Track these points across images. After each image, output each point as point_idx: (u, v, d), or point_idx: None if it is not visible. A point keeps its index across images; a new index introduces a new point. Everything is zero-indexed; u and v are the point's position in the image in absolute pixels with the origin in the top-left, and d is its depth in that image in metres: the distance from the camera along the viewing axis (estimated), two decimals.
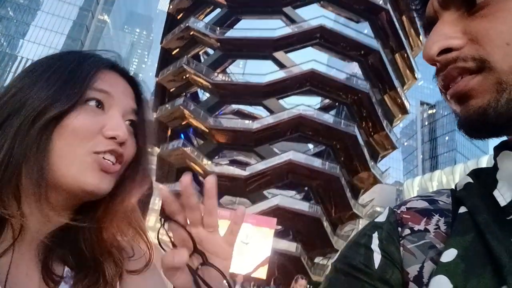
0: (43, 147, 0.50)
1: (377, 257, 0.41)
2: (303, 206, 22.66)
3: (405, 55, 26.30)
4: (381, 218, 0.45)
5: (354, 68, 27.34)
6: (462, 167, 41.48)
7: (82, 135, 0.52)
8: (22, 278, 0.52)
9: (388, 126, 25.35)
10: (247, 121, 25.58)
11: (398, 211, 0.44)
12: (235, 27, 27.44)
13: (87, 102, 0.54)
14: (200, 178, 25.59)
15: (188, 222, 0.48)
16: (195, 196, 0.47)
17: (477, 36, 0.35)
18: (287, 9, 25.46)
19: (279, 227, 20.75)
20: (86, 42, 60.23)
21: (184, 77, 25.91)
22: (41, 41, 57.84)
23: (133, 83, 0.62)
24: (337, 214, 24.33)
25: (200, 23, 26.32)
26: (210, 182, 0.48)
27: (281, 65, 25.29)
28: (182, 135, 26.54)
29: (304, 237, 22.79)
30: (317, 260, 25.59)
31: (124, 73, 0.61)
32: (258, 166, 23.53)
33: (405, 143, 70.73)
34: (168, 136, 27.10)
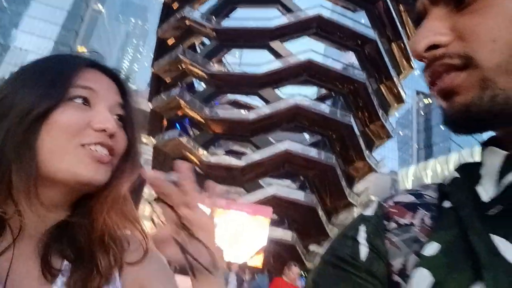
0: (31, 144, 0.52)
1: (364, 250, 0.41)
2: (299, 196, 22.81)
3: (402, 44, 26.24)
4: (369, 212, 0.46)
5: (350, 58, 27.27)
6: (457, 157, 41.78)
7: (70, 130, 0.54)
8: (22, 274, 0.54)
9: (384, 116, 25.43)
10: (243, 111, 25.56)
11: (386, 205, 0.45)
12: (231, 16, 27.22)
13: (72, 100, 0.56)
14: (197, 168, 25.61)
15: (173, 204, 0.54)
16: (192, 183, 0.53)
17: (464, 33, 0.36)
18: None
19: (275, 216, 20.89)
20: (81, 32, 59.57)
21: (180, 67, 25.75)
22: (35, 31, 57.11)
23: (116, 79, 0.63)
24: (332, 203, 24.53)
25: (195, 13, 26.08)
26: (184, 167, 0.54)
27: (278, 55, 25.19)
28: (178, 126, 26.49)
29: (300, 226, 22.98)
30: (312, 248, 25.84)
31: (106, 70, 0.62)
32: (254, 156, 23.59)
33: (401, 133, 71.01)
34: (164, 127, 27.04)
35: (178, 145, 24.38)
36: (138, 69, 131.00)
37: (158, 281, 0.58)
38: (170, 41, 27.16)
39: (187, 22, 25.57)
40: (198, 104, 24.54)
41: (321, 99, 27.64)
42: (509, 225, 0.35)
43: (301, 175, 25.03)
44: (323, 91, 27.79)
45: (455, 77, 0.36)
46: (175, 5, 27.34)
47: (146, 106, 27.73)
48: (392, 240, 0.41)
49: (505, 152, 0.39)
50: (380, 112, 24.96)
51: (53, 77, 0.56)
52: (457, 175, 0.43)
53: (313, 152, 23.35)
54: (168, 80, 27.15)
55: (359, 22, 26.58)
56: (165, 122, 27.18)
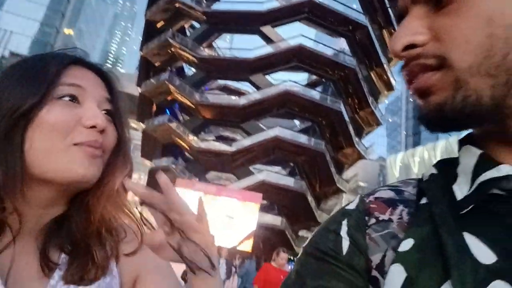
0: (16, 144, 0.52)
1: (345, 244, 0.42)
2: (289, 182, 22.99)
3: (393, 31, 26.21)
4: (351, 206, 0.46)
5: (341, 44, 27.19)
6: (444, 144, 42.37)
7: (60, 129, 0.54)
8: (22, 269, 0.55)
9: (373, 103, 25.56)
10: (233, 97, 25.44)
11: (367, 200, 0.45)
12: None
13: (60, 98, 0.55)
14: (187, 154, 25.56)
15: (162, 210, 0.55)
16: (175, 192, 0.54)
17: (440, 33, 0.36)
18: None
19: (265, 201, 21.06)
20: (67, 13, 58.08)
21: (170, 51, 25.38)
22: (20, 12, 55.50)
23: (102, 74, 0.63)
24: (321, 189, 24.79)
25: None
26: (162, 179, 0.55)
27: (269, 40, 24.98)
28: (167, 111, 26.26)
29: (289, 211, 23.24)
30: (302, 233, 26.21)
31: (91, 66, 0.62)
32: (244, 142, 23.60)
33: (390, 120, 71.61)
34: (153, 111, 26.78)
35: (167, 130, 24.23)
36: (127, 53, 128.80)
37: (154, 270, 0.59)
38: (159, 24, 26.67)
39: (177, 5, 25.10)
40: (188, 89, 24.32)
41: (311, 85, 27.62)
42: (479, 224, 0.36)
43: (290, 161, 25.17)
44: (314, 77, 27.75)
45: (430, 77, 0.37)
46: None
47: (135, 90, 27.39)
48: (371, 235, 0.41)
49: (479, 151, 0.39)
50: (370, 99, 25.07)
51: (38, 76, 0.55)
52: (434, 171, 0.44)
53: (302, 138, 23.44)
54: (157, 64, 26.77)
55: (350, 7, 26.42)
56: (154, 107, 26.91)
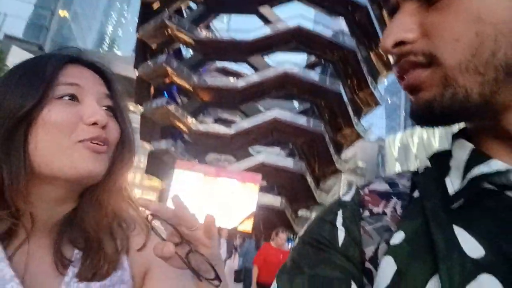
0: (19, 145, 0.54)
1: (341, 234, 0.42)
2: (288, 163, 23.08)
3: None
4: (347, 197, 0.46)
5: (340, 25, 26.81)
6: None
7: (63, 127, 0.55)
8: (37, 266, 0.57)
9: (373, 84, 25.41)
10: (232, 79, 25.24)
11: (362, 193, 0.46)
12: None
13: (60, 98, 0.57)
14: (186, 136, 25.55)
15: (174, 224, 0.57)
16: (187, 210, 0.57)
17: (430, 30, 0.36)
18: None
19: (264, 182, 21.20)
20: None
21: (166, 33, 25.03)
22: None
23: (99, 71, 0.64)
24: (320, 170, 24.94)
25: None
26: (176, 199, 0.57)
27: (267, 21, 24.62)
28: (165, 93, 26.10)
29: (288, 192, 23.43)
30: (301, 213, 26.50)
31: (88, 64, 0.63)
32: (243, 124, 23.57)
33: (389, 100, 71.32)
34: (151, 94, 26.62)
35: (166, 113, 24.15)
36: (123, 35, 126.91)
37: (163, 264, 0.61)
38: (155, 5, 26.20)
39: None
40: (186, 71, 24.11)
41: (310, 66, 27.39)
42: (470, 218, 0.36)
43: (289, 143, 25.21)
44: (313, 58, 27.49)
45: (420, 74, 0.37)
46: None
47: (132, 73, 27.15)
48: (365, 228, 0.42)
49: (471, 146, 0.39)
50: (369, 80, 24.92)
51: (36, 77, 0.57)
52: (428, 164, 0.44)
53: (301, 120, 23.41)
54: (154, 46, 26.44)
55: None
56: (152, 90, 26.73)
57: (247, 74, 25.93)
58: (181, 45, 27.09)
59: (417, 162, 40.10)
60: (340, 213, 0.44)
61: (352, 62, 24.12)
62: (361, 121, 27.15)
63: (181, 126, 24.41)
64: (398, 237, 0.38)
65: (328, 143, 23.22)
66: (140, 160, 31.88)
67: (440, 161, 0.43)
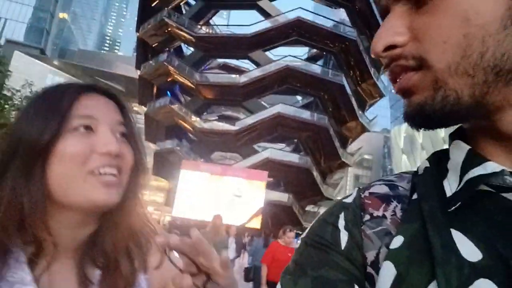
0: (38, 176, 0.57)
1: (343, 237, 0.42)
2: (293, 158, 23.05)
3: None
4: (349, 199, 0.46)
5: (341, 15, 26.61)
6: None
7: (77, 158, 0.58)
8: (62, 284, 0.61)
9: (375, 74, 25.22)
10: (233, 75, 25.19)
11: (362, 195, 0.45)
12: None
13: (75, 129, 0.60)
14: (191, 135, 25.59)
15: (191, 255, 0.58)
16: (205, 243, 0.57)
17: (419, 33, 0.36)
18: None
19: (270, 179, 21.19)
20: None
21: (166, 31, 24.99)
22: None
23: (114, 98, 0.67)
24: (326, 164, 24.87)
25: None
26: (195, 234, 0.56)
27: (267, 15, 24.50)
28: (168, 93, 26.12)
29: (295, 187, 23.41)
30: (308, 208, 26.50)
31: (102, 91, 0.66)
32: (247, 120, 23.54)
33: (393, 90, 70.82)
34: (154, 94, 26.65)
35: (170, 112, 24.18)
36: (124, 35, 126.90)
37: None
38: (154, 3, 26.14)
39: None
40: (188, 69, 24.08)
41: (312, 59, 27.24)
42: (467, 220, 0.36)
43: (294, 138, 25.15)
44: (314, 51, 27.33)
45: (411, 77, 0.37)
46: None
47: (135, 73, 27.17)
48: (366, 232, 0.42)
49: (467, 147, 0.39)
50: (372, 70, 24.74)
51: (53, 110, 0.60)
52: (428, 165, 0.44)
53: (305, 114, 23.33)
54: (154, 45, 26.42)
55: None
56: (155, 89, 26.76)
57: (248, 70, 25.84)
58: (181, 43, 27.04)
59: (423, 152, 39.85)
60: (342, 215, 0.44)
61: (354, 53, 23.93)
62: (365, 112, 27.00)
63: (185, 125, 24.43)
64: (397, 242, 0.38)
65: (333, 137, 23.13)
66: (146, 160, 31.98)
67: (439, 162, 0.43)
